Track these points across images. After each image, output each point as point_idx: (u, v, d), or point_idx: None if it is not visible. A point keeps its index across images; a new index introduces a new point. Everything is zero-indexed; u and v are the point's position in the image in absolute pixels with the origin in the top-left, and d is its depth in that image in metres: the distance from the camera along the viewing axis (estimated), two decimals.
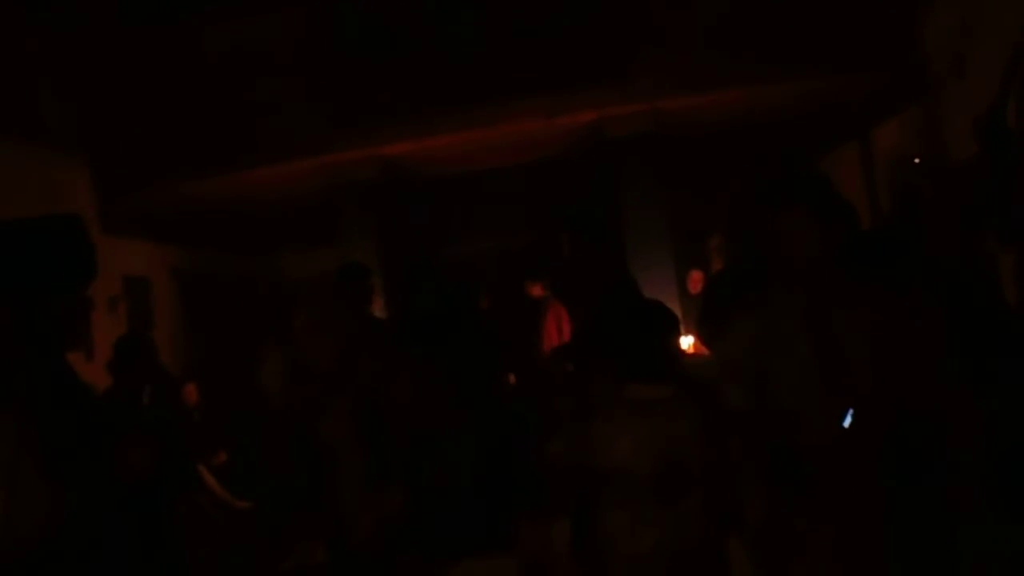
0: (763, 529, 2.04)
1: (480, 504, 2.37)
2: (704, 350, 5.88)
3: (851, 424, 1.86)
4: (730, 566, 2.26)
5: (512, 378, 4.83)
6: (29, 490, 1.70)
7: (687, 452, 2.21)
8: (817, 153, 8.42)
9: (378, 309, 7.24)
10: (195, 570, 4.45)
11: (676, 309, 6.76)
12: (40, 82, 6.62)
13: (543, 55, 6.79)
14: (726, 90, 6.74)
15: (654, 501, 2.19)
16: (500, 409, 2.90)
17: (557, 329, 5.90)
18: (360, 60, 7.02)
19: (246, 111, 7.06)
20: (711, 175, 8.07)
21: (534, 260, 7.10)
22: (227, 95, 7.10)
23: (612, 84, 6.74)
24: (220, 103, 7.09)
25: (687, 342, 6.65)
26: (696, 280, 7.20)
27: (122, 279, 7.41)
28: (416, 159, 7.53)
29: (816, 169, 2.06)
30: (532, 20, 6.84)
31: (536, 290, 6.66)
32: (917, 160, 6.37)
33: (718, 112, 7.09)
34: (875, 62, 6.41)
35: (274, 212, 8.55)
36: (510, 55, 6.83)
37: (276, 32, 7.16)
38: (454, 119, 6.88)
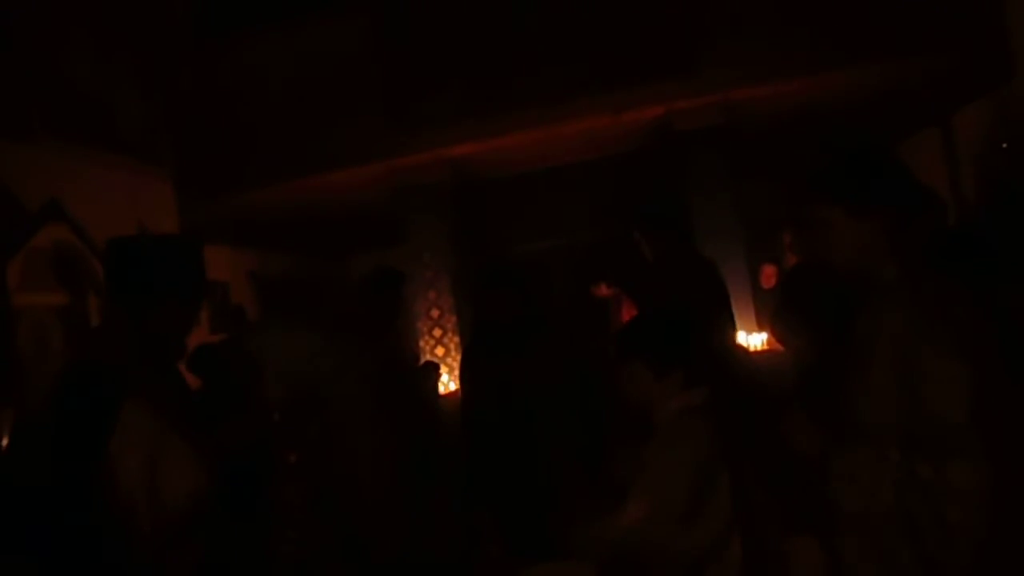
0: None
1: (566, 507, 2.35)
2: (778, 346, 5.76)
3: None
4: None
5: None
6: (168, 472, 1.86)
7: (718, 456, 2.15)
8: (895, 140, 8.14)
9: (449, 311, 7.35)
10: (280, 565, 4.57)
11: (749, 304, 6.68)
12: (123, 92, 6.88)
13: (608, 50, 6.74)
14: (798, 78, 6.57)
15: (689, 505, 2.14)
16: (590, 407, 2.86)
17: None
18: (426, 63, 7.10)
19: (316, 117, 7.23)
20: (784, 166, 7.87)
21: (601, 258, 7.05)
22: (298, 102, 7.28)
23: (679, 77, 6.64)
24: (291, 110, 7.28)
25: (760, 339, 6.53)
26: (769, 275, 7.05)
27: None
28: (483, 160, 7.57)
29: (857, 155, 1.85)
30: (595, 13, 6.79)
31: (602, 290, 6.60)
32: (1005, 145, 6.08)
33: (790, 101, 6.93)
34: (954, 42, 6.15)
35: (345, 216, 8.72)
36: (574, 51, 6.81)
37: (344, 39, 7.30)
38: (520, 118, 6.89)
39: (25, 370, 4.99)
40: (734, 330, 4.46)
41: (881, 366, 1.75)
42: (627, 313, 5.81)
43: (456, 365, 5.04)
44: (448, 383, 6.39)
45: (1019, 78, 5.90)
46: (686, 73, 6.63)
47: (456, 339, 7.27)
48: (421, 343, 7.20)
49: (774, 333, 5.47)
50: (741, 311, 6.57)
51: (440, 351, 7.27)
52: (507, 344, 2.96)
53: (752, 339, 6.55)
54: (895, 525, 1.70)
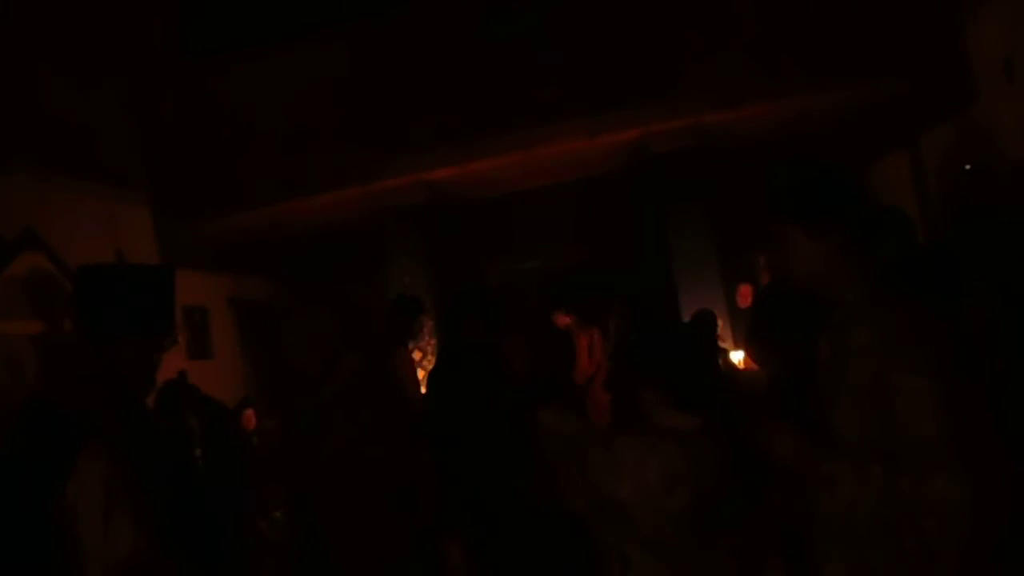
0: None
1: (548, 527, 2.34)
2: (754, 366, 5.82)
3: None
4: None
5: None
6: (121, 529, 1.78)
7: (719, 487, 2.05)
8: (865, 161, 8.28)
9: (428, 334, 7.36)
10: None
11: (726, 325, 6.75)
12: (99, 119, 6.88)
13: (584, 74, 6.84)
14: (770, 101, 6.69)
15: (687, 541, 2.04)
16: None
17: (588, 354, 5.70)
18: (403, 88, 7.16)
19: (295, 142, 7.26)
20: (758, 188, 8.00)
21: (570, 282, 7.03)
22: (276, 127, 7.31)
23: (655, 100, 6.74)
24: (270, 135, 7.31)
25: (738, 357, 6.59)
26: (745, 294, 7.12)
27: (181, 309, 7.63)
28: (460, 183, 7.62)
29: (809, 175, 1.83)
30: (571, 39, 6.89)
31: (560, 319, 6.46)
32: (968, 167, 6.23)
33: (763, 124, 7.04)
34: (920, 68, 6.31)
35: (323, 240, 8.72)
36: (551, 75, 6.89)
37: (321, 63, 7.36)
38: (496, 142, 6.96)
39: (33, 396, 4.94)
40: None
41: (852, 385, 1.76)
42: (585, 339, 5.69)
43: None
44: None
45: (980, 102, 6.06)
46: (661, 97, 6.73)
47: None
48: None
49: (749, 352, 5.53)
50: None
51: (420, 374, 7.27)
52: (471, 368, 2.98)
53: (731, 357, 6.60)
54: (875, 536, 1.71)
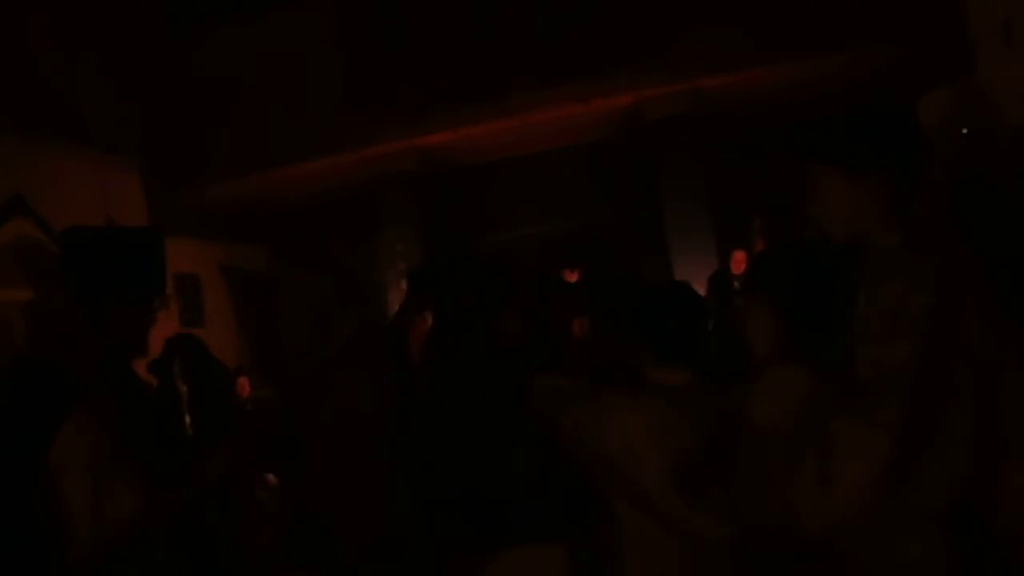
0: None
1: (537, 490, 2.33)
2: None
3: None
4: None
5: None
6: (112, 489, 1.76)
7: (709, 442, 2.02)
8: None
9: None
10: (249, 559, 4.54)
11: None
12: (88, 86, 6.78)
13: (578, 38, 6.75)
14: (766, 66, 6.62)
15: (676, 498, 2.01)
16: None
17: None
18: (394, 53, 7.06)
19: (285, 108, 7.17)
20: (754, 153, 7.95)
21: (573, 246, 7.07)
22: (266, 93, 7.21)
23: (650, 65, 6.66)
24: (260, 101, 7.21)
25: None
26: (739, 260, 7.10)
27: (174, 277, 7.60)
28: (453, 149, 7.56)
29: (856, 110, 1.70)
30: (565, 3, 6.80)
31: (573, 277, 6.62)
32: (965, 131, 6.20)
33: (759, 89, 6.97)
34: (917, 32, 6.24)
35: (317, 208, 8.66)
36: (544, 40, 6.81)
37: (312, 29, 7.24)
38: (490, 107, 6.89)
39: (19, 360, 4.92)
40: None
41: (879, 336, 1.58)
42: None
43: None
44: None
45: (978, 65, 6.01)
46: (656, 61, 6.65)
47: None
48: None
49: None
50: None
51: None
52: (463, 339, 2.94)
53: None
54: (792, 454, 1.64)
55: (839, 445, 1.55)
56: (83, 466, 1.73)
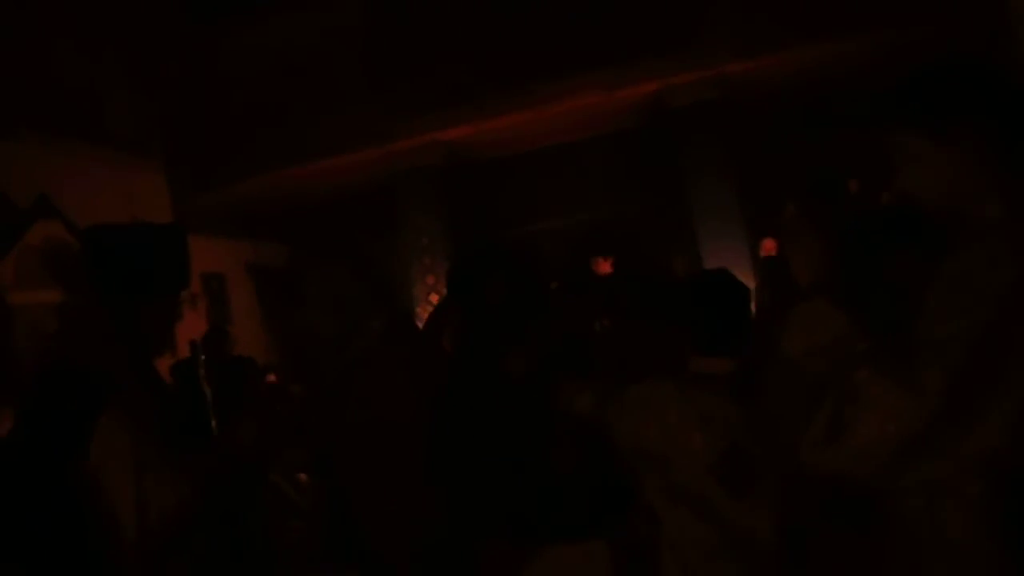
0: None
1: (575, 491, 2.28)
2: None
3: None
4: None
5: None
6: (156, 481, 1.76)
7: (752, 431, 1.97)
8: (889, 112, 8.07)
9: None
10: (281, 555, 4.54)
11: (749, 280, 6.64)
12: (111, 86, 6.80)
13: (600, 26, 6.66)
14: (791, 51, 6.50)
15: (718, 490, 1.97)
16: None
17: None
18: (416, 46, 7.02)
19: (309, 104, 7.16)
20: (783, 139, 7.82)
21: (601, 236, 7.00)
22: (290, 89, 7.20)
23: (673, 52, 6.57)
24: (283, 98, 7.20)
25: None
26: (769, 248, 6.99)
27: (200, 276, 7.63)
28: (477, 142, 7.51)
29: (945, 66, 1.56)
30: None
31: (604, 267, 6.56)
32: None
33: (787, 73, 6.85)
34: (950, 11, 6.08)
35: (341, 204, 8.66)
36: (566, 29, 6.73)
37: (334, 24, 7.22)
38: (511, 99, 6.82)
39: (22, 369, 4.95)
40: None
41: (952, 305, 1.45)
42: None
43: None
44: None
45: (1012, 47, 5.84)
46: (679, 48, 6.55)
47: None
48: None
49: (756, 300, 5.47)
50: None
51: None
52: (499, 330, 2.87)
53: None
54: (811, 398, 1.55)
55: (861, 394, 1.47)
56: (124, 461, 1.73)
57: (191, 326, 6.41)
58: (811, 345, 1.63)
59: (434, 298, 7.43)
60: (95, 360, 1.87)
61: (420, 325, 6.93)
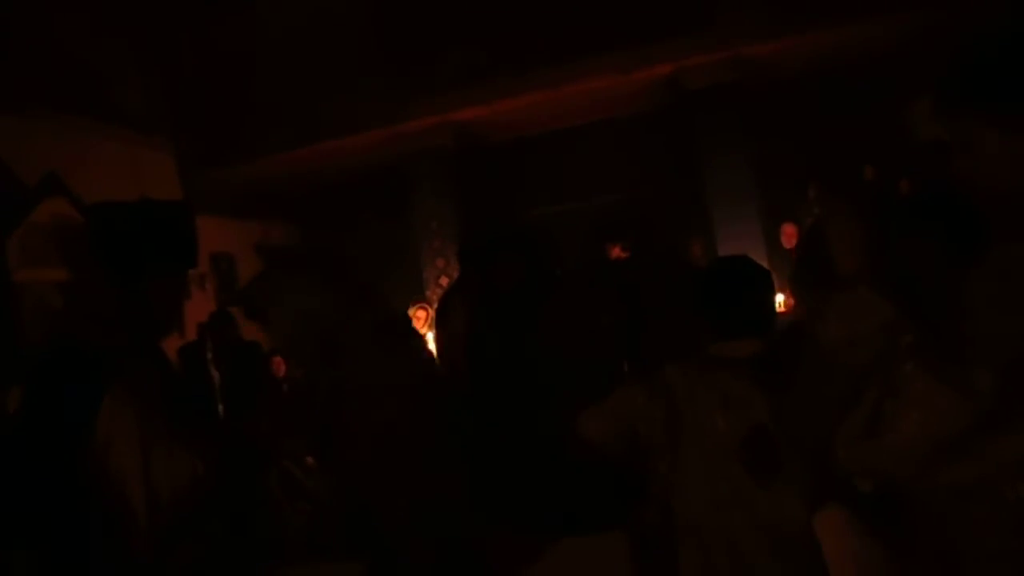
0: None
1: (590, 479, 2.23)
2: (793, 309, 5.64)
3: None
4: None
5: None
6: (165, 457, 1.73)
7: (778, 414, 1.93)
8: (909, 95, 7.93)
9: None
10: (288, 537, 4.53)
11: (765, 264, 6.56)
12: (120, 64, 6.74)
13: (615, 7, 6.54)
14: (810, 32, 6.37)
15: (744, 474, 1.92)
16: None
17: None
18: (428, 26, 6.92)
19: (319, 84, 7.07)
20: (802, 122, 7.71)
21: (615, 219, 6.90)
22: (299, 69, 7.11)
23: (689, 33, 6.45)
24: (293, 77, 7.12)
25: (778, 299, 6.40)
26: (790, 234, 6.89)
27: (209, 256, 7.58)
28: (488, 123, 7.42)
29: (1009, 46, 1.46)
30: None
31: (616, 251, 6.47)
32: None
33: (805, 56, 6.73)
34: None
35: (351, 185, 8.60)
36: (580, 9, 6.61)
37: (345, 2, 7.12)
38: (526, 80, 6.72)
39: (30, 347, 4.92)
40: None
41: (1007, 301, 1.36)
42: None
43: None
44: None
45: None
46: (695, 29, 6.44)
47: None
48: (430, 311, 7.10)
49: (793, 292, 5.36)
50: None
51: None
52: (514, 313, 2.81)
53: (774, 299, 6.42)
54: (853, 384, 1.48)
55: (905, 388, 1.40)
56: (131, 439, 1.70)
57: (200, 307, 6.37)
58: (852, 335, 1.56)
59: (444, 281, 7.37)
60: (100, 339, 1.83)
61: (430, 308, 6.86)
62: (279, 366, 6.75)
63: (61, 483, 1.71)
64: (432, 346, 4.23)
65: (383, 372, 2.63)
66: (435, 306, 7.21)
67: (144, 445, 1.72)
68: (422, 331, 6.11)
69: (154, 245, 1.91)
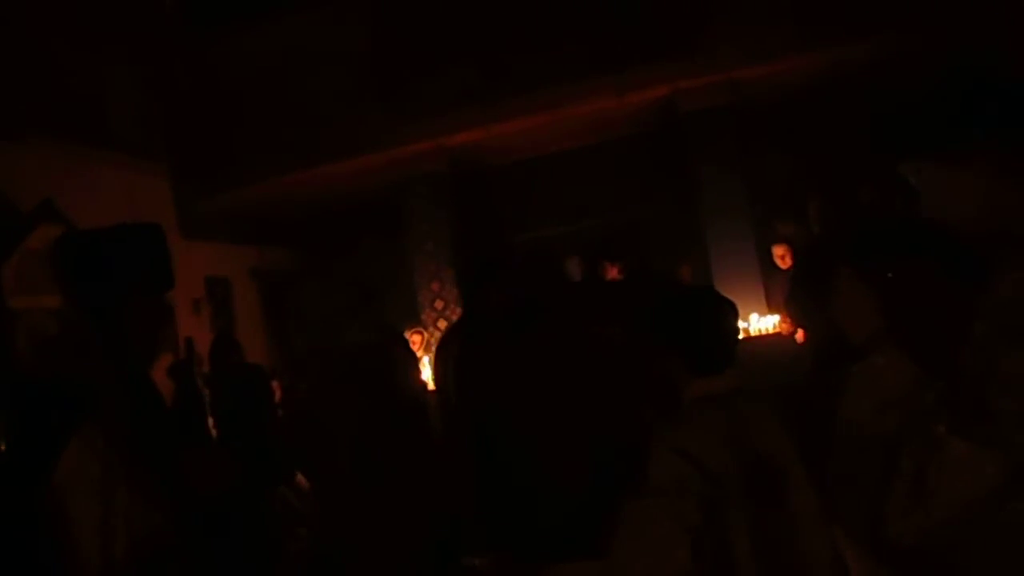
0: None
1: (588, 504, 2.20)
2: (791, 329, 5.64)
3: None
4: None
5: None
6: (123, 503, 1.65)
7: (775, 445, 1.91)
8: (904, 112, 7.98)
9: (453, 302, 7.23)
10: (290, 564, 4.48)
11: (759, 286, 6.56)
12: (116, 90, 6.75)
13: (610, 30, 6.60)
14: (803, 54, 6.43)
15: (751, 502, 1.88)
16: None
17: None
18: (423, 50, 6.96)
19: (314, 108, 7.09)
20: (795, 144, 7.75)
21: (609, 241, 6.93)
22: (294, 94, 7.14)
23: (684, 56, 6.50)
24: (288, 102, 7.14)
25: (772, 321, 6.40)
26: (782, 255, 6.90)
27: (204, 281, 7.56)
28: (484, 147, 7.45)
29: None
30: None
31: (613, 272, 6.49)
32: None
33: (798, 78, 6.78)
34: (960, 16, 6.00)
35: (346, 209, 8.61)
36: (576, 33, 6.66)
37: (340, 28, 7.16)
38: (521, 103, 6.76)
39: (25, 374, 4.88)
40: None
41: (1006, 339, 1.38)
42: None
43: None
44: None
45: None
46: (690, 52, 6.49)
47: None
48: (425, 335, 7.09)
49: (788, 313, 5.36)
50: (750, 293, 6.46)
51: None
52: (503, 337, 2.79)
53: (762, 322, 6.42)
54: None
55: (946, 456, 1.39)
56: (91, 487, 1.62)
57: (195, 331, 6.34)
58: (878, 403, 1.55)
59: (439, 304, 7.36)
60: (85, 370, 1.77)
61: (425, 332, 6.82)
62: (274, 390, 6.71)
63: (14, 527, 1.63)
64: (426, 370, 4.22)
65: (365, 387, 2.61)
66: (429, 329, 7.23)
67: (104, 493, 1.64)
68: (418, 354, 6.10)
69: (124, 268, 1.84)
